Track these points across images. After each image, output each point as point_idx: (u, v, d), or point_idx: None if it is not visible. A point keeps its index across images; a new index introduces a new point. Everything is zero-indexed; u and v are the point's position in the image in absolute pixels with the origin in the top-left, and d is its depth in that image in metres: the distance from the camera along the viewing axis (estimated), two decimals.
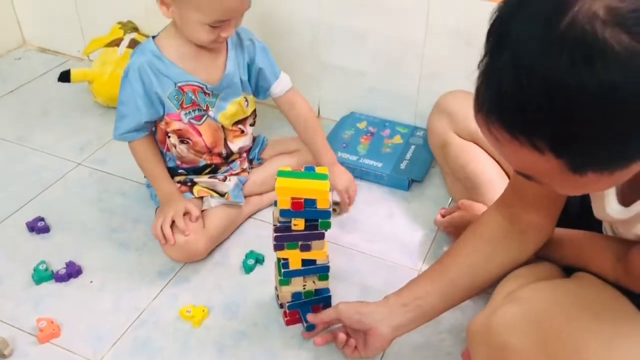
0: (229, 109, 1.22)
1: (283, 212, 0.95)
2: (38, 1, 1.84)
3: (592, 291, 0.83)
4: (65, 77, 1.56)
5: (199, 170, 1.27)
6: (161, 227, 1.15)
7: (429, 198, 1.37)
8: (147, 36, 1.68)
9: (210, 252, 1.22)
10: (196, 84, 1.16)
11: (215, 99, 1.20)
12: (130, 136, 1.19)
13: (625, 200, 0.78)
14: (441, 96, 1.32)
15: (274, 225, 0.99)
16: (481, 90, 0.60)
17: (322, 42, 1.50)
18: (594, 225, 0.94)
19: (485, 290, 0.96)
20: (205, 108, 1.19)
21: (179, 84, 1.15)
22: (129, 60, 1.16)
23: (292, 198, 0.94)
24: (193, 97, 1.17)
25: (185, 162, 1.25)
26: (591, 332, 0.73)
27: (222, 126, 1.23)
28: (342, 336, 1.00)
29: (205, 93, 1.18)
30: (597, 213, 0.86)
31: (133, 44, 1.62)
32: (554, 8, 0.54)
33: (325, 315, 1.01)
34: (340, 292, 1.11)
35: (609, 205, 0.80)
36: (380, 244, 1.25)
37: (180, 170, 1.26)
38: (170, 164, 1.26)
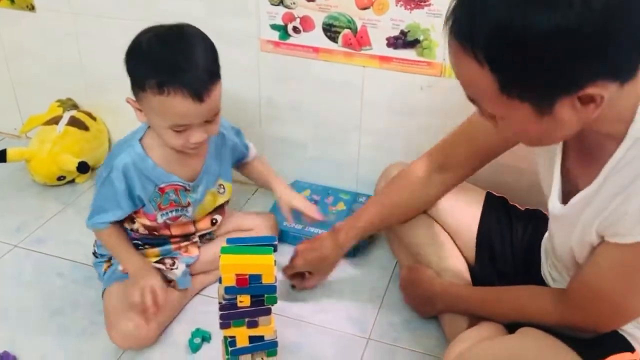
0: (206, 200, 1.24)
1: (228, 290, 0.95)
2: None
3: (532, 342, 0.88)
4: (0, 157, 1.53)
5: (151, 242, 1.25)
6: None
7: (373, 264, 1.39)
8: (87, 113, 1.68)
9: None
10: (178, 183, 1.17)
11: (196, 194, 1.21)
12: (104, 226, 1.18)
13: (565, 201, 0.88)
14: (388, 165, 1.36)
15: (220, 302, 0.98)
16: (450, 7, 0.73)
17: (264, 115, 1.54)
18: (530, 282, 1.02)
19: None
20: (186, 204, 1.20)
21: (160, 186, 1.16)
22: (115, 158, 1.14)
23: (237, 275, 0.93)
24: (174, 196, 1.18)
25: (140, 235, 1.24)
26: None
27: (194, 220, 1.25)
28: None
29: (186, 190, 1.19)
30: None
31: (73, 121, 1.61)
32: None
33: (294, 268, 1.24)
34: None
35: (551, 203, 0.90)
36: (328, 314, 1.25)
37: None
38: None
